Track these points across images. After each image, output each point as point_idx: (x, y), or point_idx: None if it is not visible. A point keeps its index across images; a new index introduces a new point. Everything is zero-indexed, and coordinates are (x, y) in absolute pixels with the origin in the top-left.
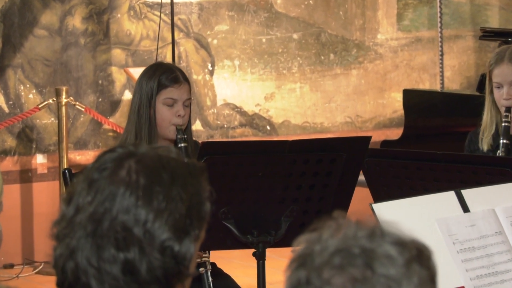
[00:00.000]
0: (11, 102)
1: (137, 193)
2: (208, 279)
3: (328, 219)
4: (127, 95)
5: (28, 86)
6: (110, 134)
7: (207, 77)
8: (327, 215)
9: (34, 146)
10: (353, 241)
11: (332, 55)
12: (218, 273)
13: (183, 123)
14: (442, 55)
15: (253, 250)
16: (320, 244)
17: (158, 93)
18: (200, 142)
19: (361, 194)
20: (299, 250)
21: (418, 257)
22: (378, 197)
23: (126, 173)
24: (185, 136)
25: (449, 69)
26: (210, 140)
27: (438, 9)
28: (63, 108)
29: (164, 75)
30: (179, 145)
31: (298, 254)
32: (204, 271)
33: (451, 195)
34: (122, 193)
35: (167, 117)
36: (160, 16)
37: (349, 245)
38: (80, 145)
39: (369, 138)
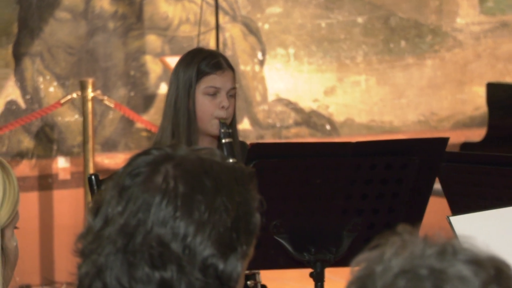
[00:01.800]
0: (28, 97)
1: (175, 202)
2: None
3: (392, 234)
4: (163, 89)
5: (48, 78)
6: (144, 134)
7: (257, 68)
8: (396, 229)
9: (55, 147)
10: (421, 260)
11: (403, 42)
12: None
13: (227, 116)
14: None
15: (310, 270)
16: (383, 264)
17: (198, 82)
18: (248, 143)
19: (436, 205)
20: (358, 271)
21: (497, 277)
22: (456, 209)
23: (162, 179)
24: (230, 130)
25: None
26: (260, 141)
27: None
28: (89, 104)
29: (204, 61)
30: (223, 140)
31: (357, 275)
32: (253, 284)
33: None
34: (158, 203)
35: (208, 109)
36: None
37: (415, 265)
38: (109, 146)
39: (447, 139)
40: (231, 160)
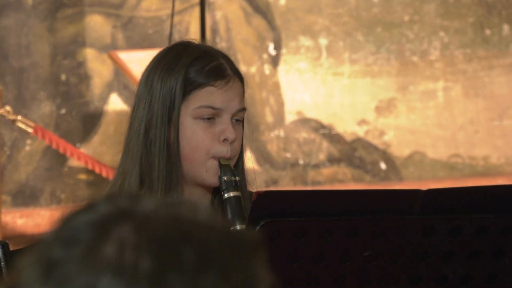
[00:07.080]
0: None
1: (136, 286)
2: None
3: None
4: (115, 103)
5: None
6: (82, 176)
7: (267, 69)
8: None
9: None
10: None
11: (506, 28)
12: None
13: (231, 155)
14: None
15: None
16: None
17: (185, 98)
18: (254, 192)
19: None
20: None
21: None
22: None
23: (115, 249)
24: (237, 178)
25: None
26: (272, 189)
27: None
28: None
29: (196, 64)
30: (226, 194)
31: None
32: None
33: None
34: (108, 286)
35: (202, 142)
36: None
37: None
38: (25, 197)
39: None
40: (238, 227)
